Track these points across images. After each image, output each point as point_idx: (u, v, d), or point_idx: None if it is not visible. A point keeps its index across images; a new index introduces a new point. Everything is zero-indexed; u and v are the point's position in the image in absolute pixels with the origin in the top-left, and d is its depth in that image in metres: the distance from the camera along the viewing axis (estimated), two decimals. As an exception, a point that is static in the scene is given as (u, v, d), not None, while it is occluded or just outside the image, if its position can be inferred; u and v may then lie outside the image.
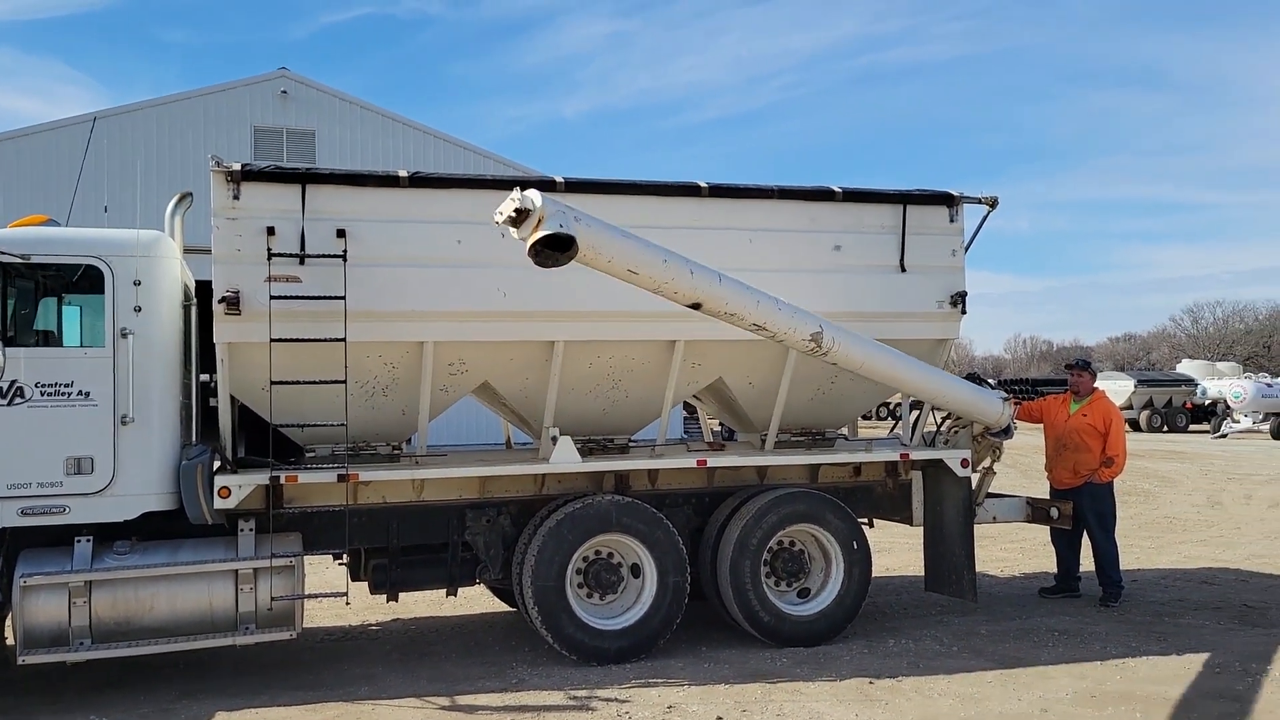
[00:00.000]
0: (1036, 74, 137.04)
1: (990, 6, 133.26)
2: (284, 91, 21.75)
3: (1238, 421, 34.18)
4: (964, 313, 7.98)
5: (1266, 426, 33.18)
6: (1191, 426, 38.16)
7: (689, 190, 7.41)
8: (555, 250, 5.87)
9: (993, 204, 7.98)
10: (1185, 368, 44.47)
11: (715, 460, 7.56)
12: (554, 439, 7.28)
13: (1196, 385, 38.92)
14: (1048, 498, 8.90)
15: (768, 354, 7.75)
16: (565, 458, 7.19)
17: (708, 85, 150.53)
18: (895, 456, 7.95)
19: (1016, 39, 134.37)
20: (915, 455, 7.96)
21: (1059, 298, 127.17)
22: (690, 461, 7.51)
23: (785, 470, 7.95)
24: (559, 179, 7.16)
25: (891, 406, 9.75)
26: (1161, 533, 12.59)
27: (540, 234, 5.77)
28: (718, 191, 7.46)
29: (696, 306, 6.54)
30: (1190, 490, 17.42)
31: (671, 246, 7.26)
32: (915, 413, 8.55)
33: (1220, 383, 37.65)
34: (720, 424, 9.46)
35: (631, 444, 8.00)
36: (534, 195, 5.84)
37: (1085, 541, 8.93)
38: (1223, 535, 12.37)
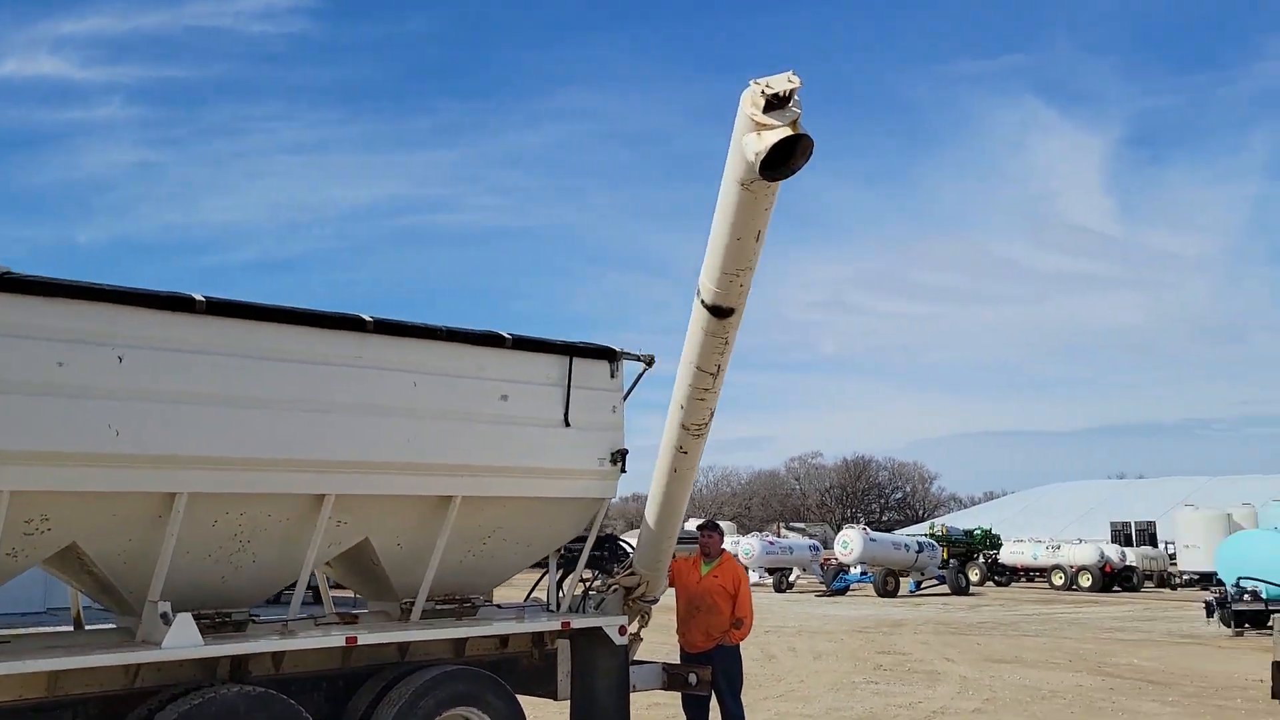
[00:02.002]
0: (560, 251, 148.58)
1: (520, 187, 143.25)
2: None
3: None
4: (624, 471, 7.77)
5: (770, 580, 36.97)
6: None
7: (352, 324, 6.54)
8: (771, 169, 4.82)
9: (650, 362, 7.98)
10: (691, 525, 48.78)
11: (368, 637, 6.49)
12: (164, 616, 5.82)
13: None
14: (679, 662, 8.79)
15: (421, 512, 6.93)
16: (184, 640, 5.74)
17: (243, 227, 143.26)
18: (555, 625, 7.39)
19: (543, 218, 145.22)
20: (577, 623, 7.46)
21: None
22: (338, 639, 6.37)
23: (433, 645, 7.05)
24: (198, 297, 5.97)
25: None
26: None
27: (797, 132, 4.70)
28: (383, 328, 6.66)
29: (718, 311, 5.86)
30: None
31: (331, 384, 6.41)
32: (559, 574, 8.11)
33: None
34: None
35: (252, 618, 6.67)
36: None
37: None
38: (794, 689, 13.13)
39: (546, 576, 8.24)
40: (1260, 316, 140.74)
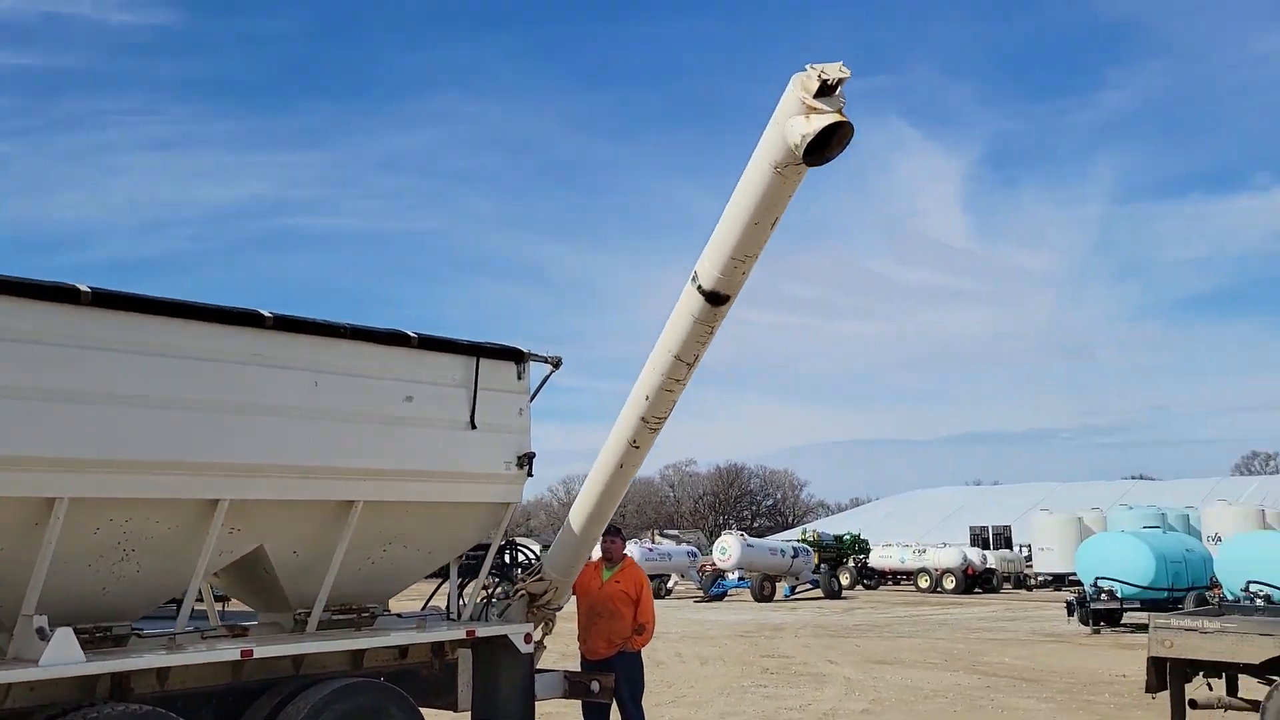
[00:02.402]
0: (432, 256, 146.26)
1: (393, 191, 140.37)
2: None
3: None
4: (530, 475, 7.60)
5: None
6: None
7: (250, 319, 6.21)
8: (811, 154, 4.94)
9: (556, 364, 7.83)
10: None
11: (265, 650, 6.14)
12: (41, 631, 5.39)
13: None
14: (579, 669, 8.65)
15: (320, 518, 6.63)
16: (64, 656, 5.32)
17: (98, 225, 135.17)
18: (460, 634, 7.16)
19: (415, 223, 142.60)
20: (482, 632, 7.24)
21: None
22: (232, 653, 6.01)
23: (329, 657, 6.74)
24: (83, 288, 5.56)
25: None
26: (631, 695, 13.00)
27: (843, 120, 4.81)
28: (283, 324, 6.34)
29: (715, 298, 5.83)
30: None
31: (229, 383, 6.08)
32: (460, 580, 7.88)
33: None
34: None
35: (135, 632, 6.24)
36: None
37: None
38: (685, 695, 13.12)
39: (445, 584, 8.01)
40: (1102, 332, 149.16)
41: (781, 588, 36.81)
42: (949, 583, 42.49)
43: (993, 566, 44.89)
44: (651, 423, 6.51)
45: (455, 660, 7.51)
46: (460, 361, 7.28)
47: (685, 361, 6.21)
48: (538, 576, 7.65)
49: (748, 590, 35.06)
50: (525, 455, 7.55)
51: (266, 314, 6.28)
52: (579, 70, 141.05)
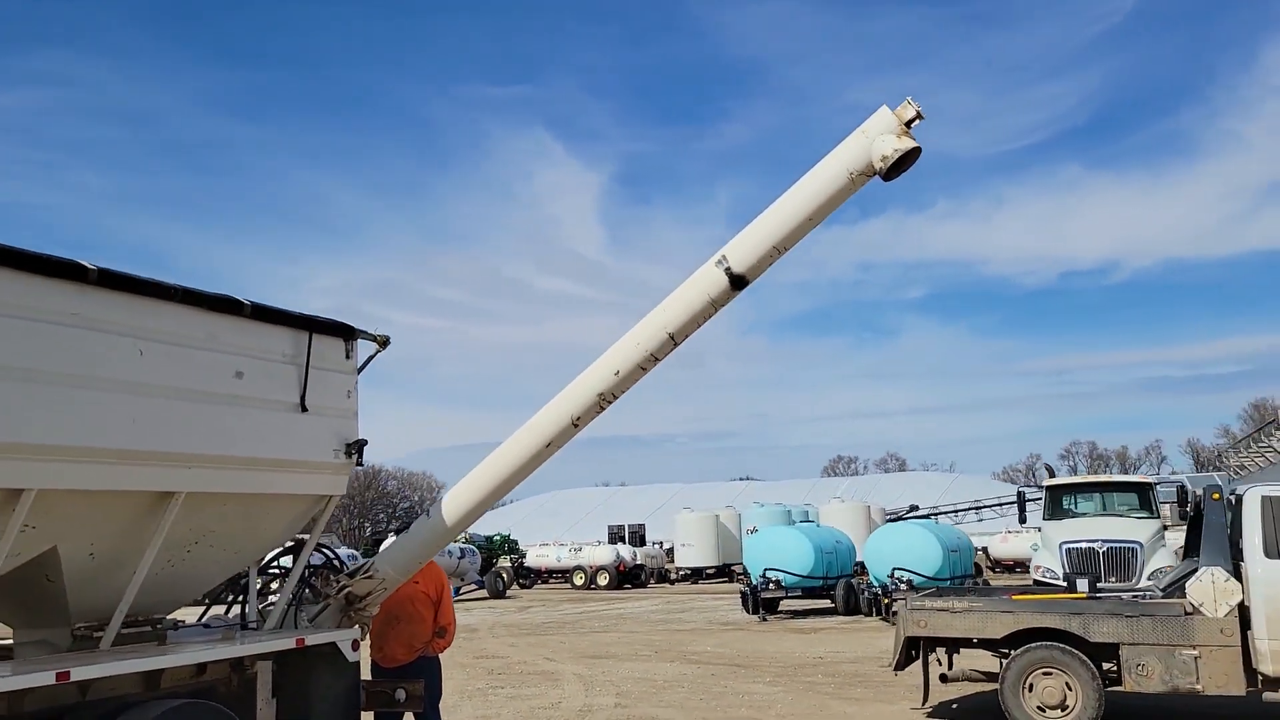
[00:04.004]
0: (38, 236, 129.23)
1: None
2: None
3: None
4: (360, 464, 6.88)
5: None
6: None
7: (72, 271, 5.10)
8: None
9: (384, 343, 7.15)
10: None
11: (84, 671, 5.04)
12: None
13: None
14: (372, 678, 7.94)
15: (132, 513, 5.58)
16: None
17: None
18: (287, 643, 6.30)
19: (16, 196, 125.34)
20: (311, 640, 6.42)
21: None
22: (48, 677, 4.88)
23: (121, 679, 5.67)
24: None
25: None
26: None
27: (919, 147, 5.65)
28: (109, 280, 5.28)
29: (740, 282, 6.04)
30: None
31: (38, 347, 4.99)
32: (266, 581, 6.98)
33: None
34: None
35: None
36: None
37: None
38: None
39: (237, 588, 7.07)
40: (716, 345, 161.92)
41: (447, 589, 36.27)
42: (602, 579, 43.92)
43: (641, 563, 46.97)
44: (606, 399, 6.19)
45: (254, 674, 6.62)
46: (291, 335, 6.44)
47: (675, 340, 6.21)
48: (367, 574, 6.92)
49: (414, 593, 34.15)
50: (355, 442, 6.83)
51: (89, 266, 5.19)
52: (211, 44, 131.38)
